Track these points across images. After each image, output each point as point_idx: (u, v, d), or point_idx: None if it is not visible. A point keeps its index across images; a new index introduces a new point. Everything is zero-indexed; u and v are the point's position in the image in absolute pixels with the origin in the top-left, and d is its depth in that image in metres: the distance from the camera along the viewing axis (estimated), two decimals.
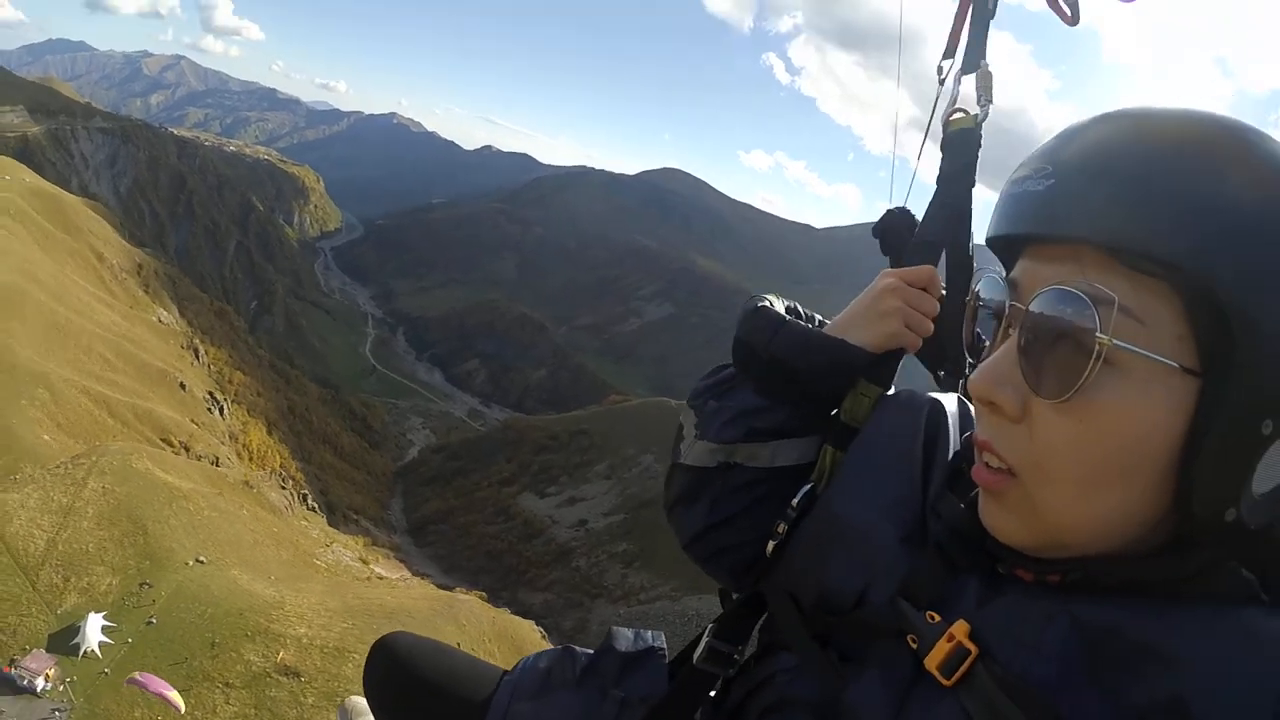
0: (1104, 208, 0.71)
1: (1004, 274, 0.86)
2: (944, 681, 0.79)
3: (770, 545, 1.14)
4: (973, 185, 1.23)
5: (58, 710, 29.42)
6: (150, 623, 33.49)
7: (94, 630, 32.05)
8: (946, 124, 1.28)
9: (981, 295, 0.90)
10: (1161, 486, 0.72)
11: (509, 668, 1.54)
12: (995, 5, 1.30)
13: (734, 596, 1.27)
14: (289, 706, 30.59)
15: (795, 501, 1.13)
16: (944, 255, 1.24)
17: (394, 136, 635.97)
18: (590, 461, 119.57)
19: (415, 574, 70.42)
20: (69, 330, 72.14)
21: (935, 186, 1.26)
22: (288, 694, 31.21)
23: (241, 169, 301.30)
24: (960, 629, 0.81)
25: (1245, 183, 0.68)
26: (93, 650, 31.69)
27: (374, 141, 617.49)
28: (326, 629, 35.12)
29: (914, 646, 0.84)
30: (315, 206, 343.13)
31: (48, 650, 31.24)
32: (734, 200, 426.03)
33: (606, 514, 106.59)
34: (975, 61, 1.28)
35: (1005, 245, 0.87)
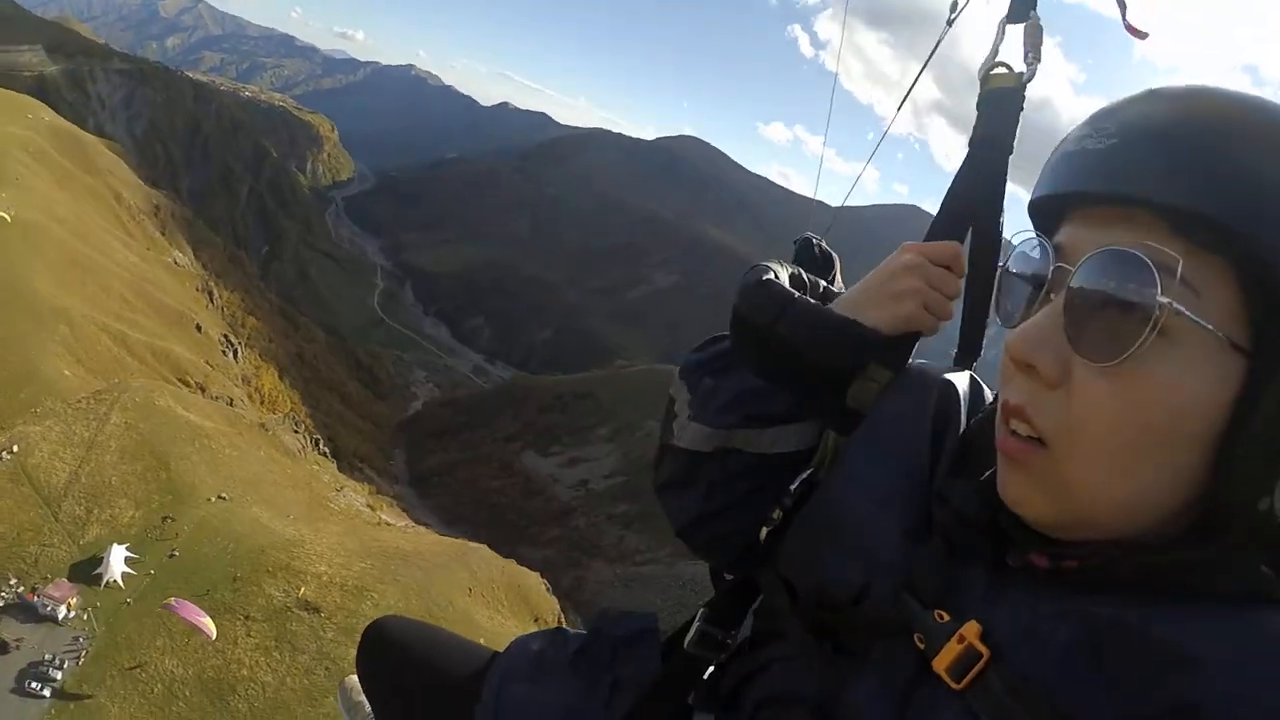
0: (1169, 170, 0.69)
1: (1045, 237, 0.83)
2: (954, 685, 0.77)
3: (764, 531, 1.08)
4: (1009, 154, 1.12)
5: (79, 638, 30.38)
6: (173, 555, 34.60)
7: (117, 561, 33.02)
8: (985, 80, 1.15)
9: (1019, 257, 0.87)
10: (1197, 467, 0.71)
11: (503, 646, 1.52)
12: None
13: (726, 578, 1.24)
14: (309, 640, 31.84)
15: (793, 487, 1.08)
16: (969, 232, 1.15)
17: (411, 88, 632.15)
18: (594, 424, 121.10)
19: (417, 524, 71.75)
20: (89, 268, 72.62)
21: (967, 151, 1.16)
22: (308, 628, 32.44)
23: (256, 115, 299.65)
24: (971, 630, 0.78)
25: None
26: (115, 580, 32.70)
27: (390, 93, 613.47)
28: (345, 568, 36.35)
29: (921, 647, 0.82)
30: (329, 155, 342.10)
31: (70, 580, 32.23)
32: (750, 172, 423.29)
33: (607, 476, 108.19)
34: (1025, 10, 1.14)
35: (1051, 207, 0.84)
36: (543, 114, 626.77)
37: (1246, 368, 0.68)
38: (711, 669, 1.20)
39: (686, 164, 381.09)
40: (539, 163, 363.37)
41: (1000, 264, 0.90)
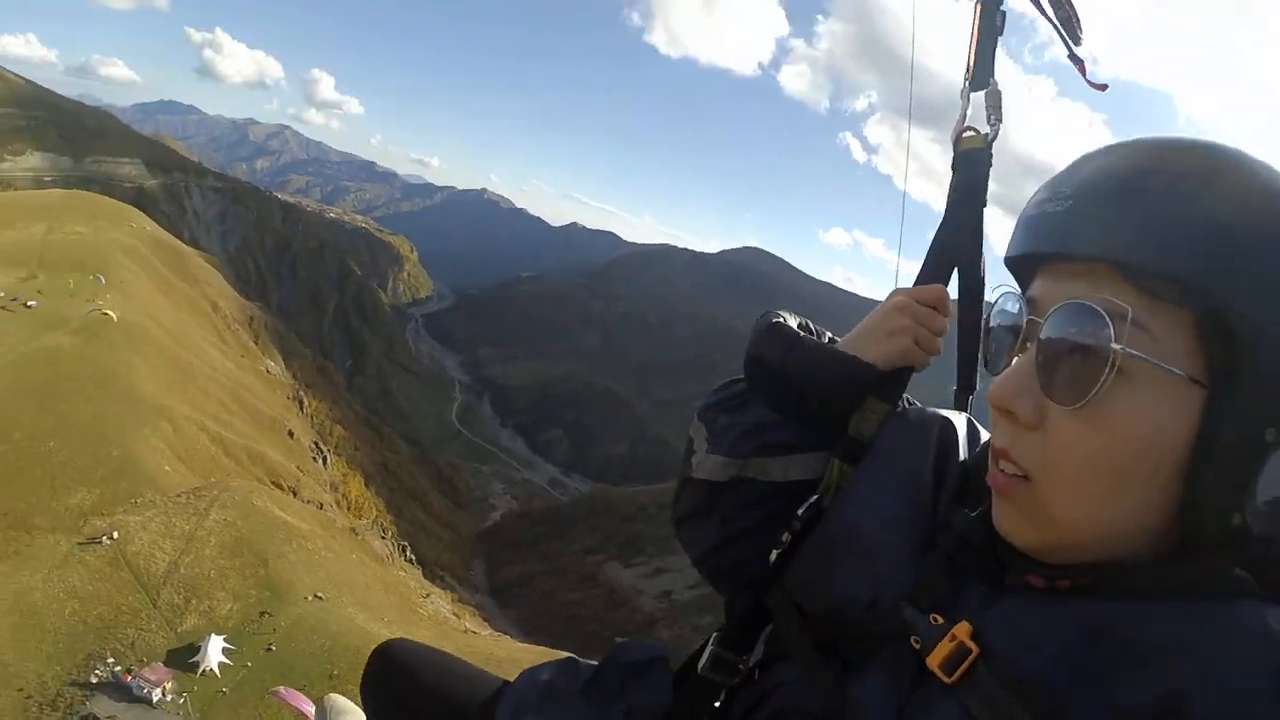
0: (1119, 228, 0.74)
1: (1020, 291, 0.89)
2: (945, 680, 0.81)
3: (774, 554, 1.15)
4: (984, 205, 1.23)
5: None
6: (270, 649, 34.18)
7: (215, 651, 32.89)
8: (956, 143, 1.27)
9: (998, 312, 0.93)
10: (1169, 492, 0.75)
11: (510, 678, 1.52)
12: (1003, 23, 1.29)
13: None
14: None
15: (800, 512, 1.14)
16: (955, 275, 1.25)
17: (484, 211, 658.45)
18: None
19: (497, 633, 69.76)
20: (188, 371, 74.89)
21: (945, 206, 1.26)
22: None
23: (340, 235, 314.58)
24: (962, 629, 0.83)
25: (1250, 209, 0.72)
26: (212, 669, 32.47)
27: (465, 215, 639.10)
28: None
29: (917, 648, 0.86)
30: (409, 274, 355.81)
31: (166, 664, 32.12)
32: (814, 279, 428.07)
33: (691, 586, 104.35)
34: (985, 79, 1.27)
35: (1024, 264, 0.89)
36: (610, 233, 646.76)
37: (1205, 399, 0.73)
38: (722, 697, 1.24)
39: (752, 273, 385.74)
40: (608, 279, 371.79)
41: (984, 317, 0.97)
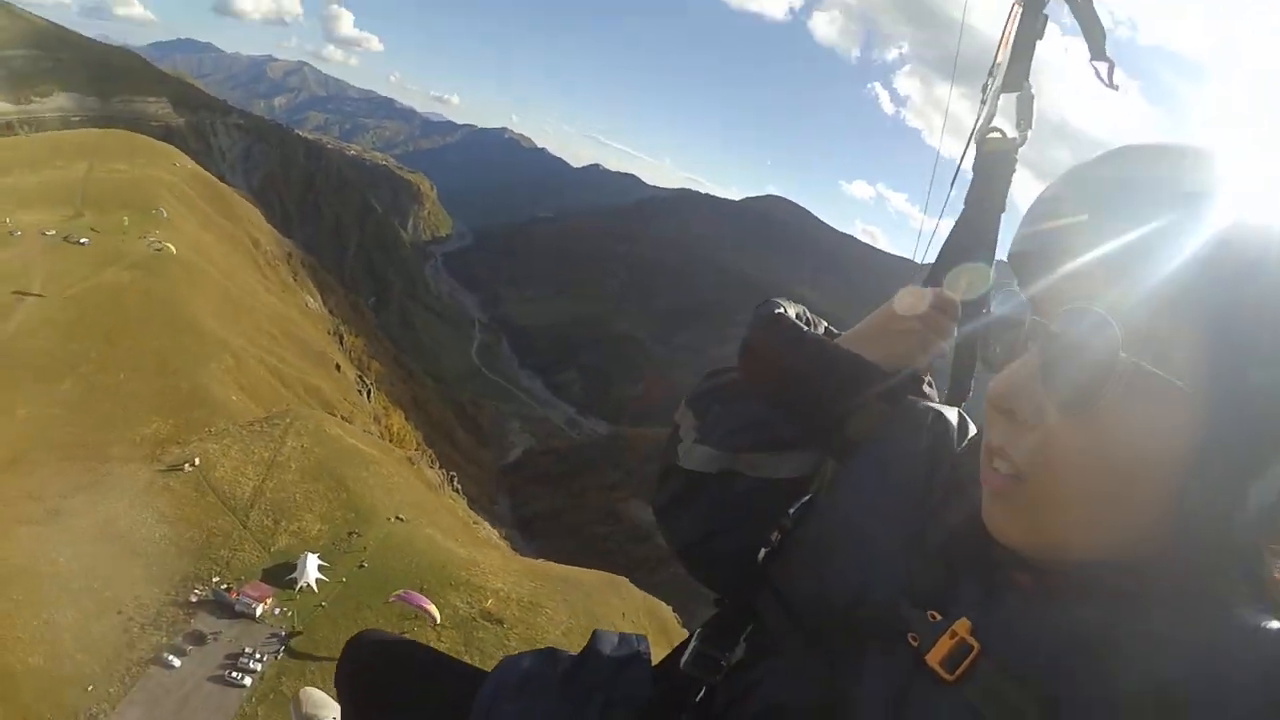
0: (1136, 239, 0.74)
1: (1023, 289, 0.88)
2: (947, 677, 0.81)
3: (763, 553, 1.12)
4: (1001, 211, 1.21)
5: (276, 634, 32.63)
6: (362, 566, 37.12)
7: (311, 568, 35.54)
8: (981, 143, 1.24)
9: (1001, 309, 0.92)
10: (1163, 501, 0.75)
11: (494, 666, 1.50)
12: (1044, 26, 1.26)
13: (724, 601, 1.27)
14: (495, 647, 33.78)
15: (792, 511, 1.13)
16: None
17: (505, 150, 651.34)
18: None
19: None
20: (242, 305, 77.54)
21: (963, 207, 1.25)
22: (493, 636, 34.56)
23: (361, 172, 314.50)
24: (962, 626, 0.83)
25: (1263, 230, 0.71)
26: (309, 585, 35.14)
27: (485, 154, 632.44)
28: (518, 586, 38.47)
29: (915, 645, 0.86)
30: (429, 213, 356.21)
31: (263, 582, 34.72)
32: (837, 231, 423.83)
33: None
34: (1018, 81, 1.25)
35: (1030, 262, 0.88)
36: (631, 175, 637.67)
37: (1208, 416, 0.72)
38: (704, 691, 1.21)
39: (773, 223, 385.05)
40: (629, 222, 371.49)
41: (991, 303, 0.96)
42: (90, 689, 28.31)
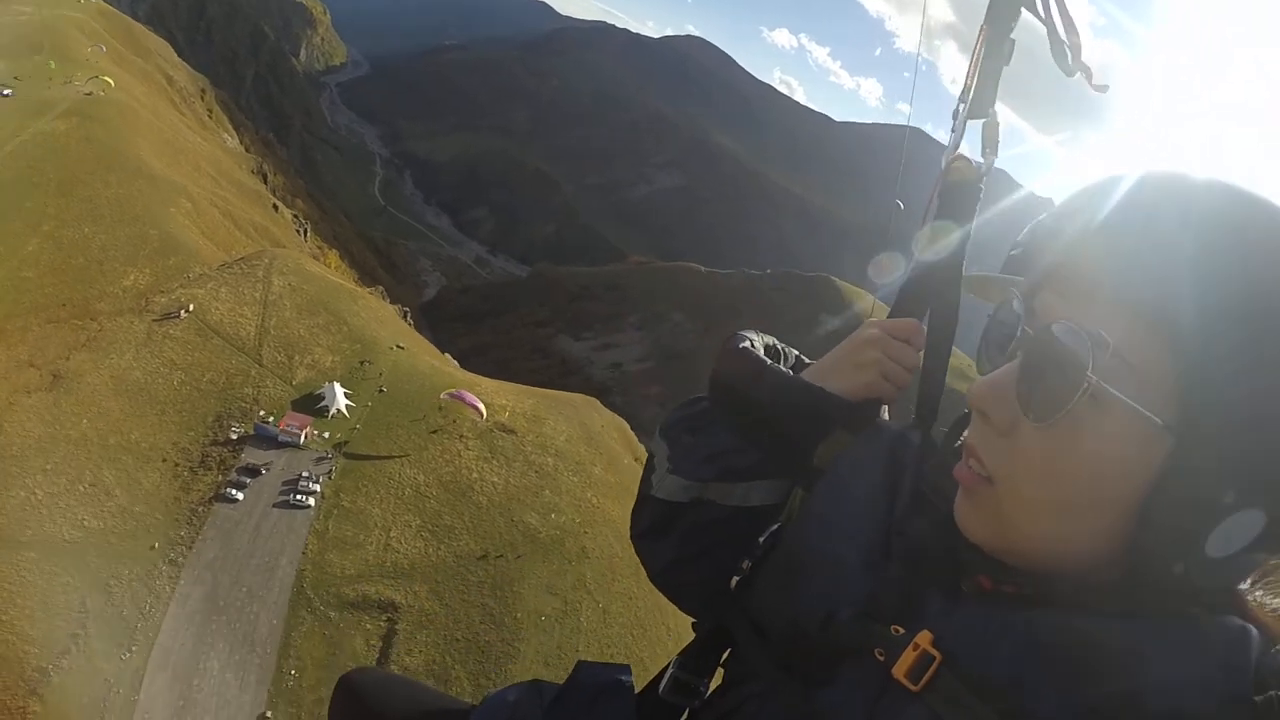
0: (1126, 261, 0.75)
1: (1023, 301, 0.88)
2: (911, 688, 0.83)
3: (734, 581, 1.16)
4: (967, 240, 1.20)
5: (322, 458, 36.38)
6: (382, 391, 41.40)
7: (338, 395, 39.39)
8: (946, 170, 1.23)
9: (999, 314, 0.95)
10: (1121, 526, 0.77)
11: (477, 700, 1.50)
12: (1010, 52, 1.24)
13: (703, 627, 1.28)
14: (514, 453, 39.47)
15: (762, 540, 1.17)
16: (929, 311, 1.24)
17: None
18: (623, 313, 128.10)
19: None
20: (179, 147, 76.01)
21: (929, 237, 1.24)
22: (510, 444, 39.98)
23: None
24: (924, 638, 0.85)
25: (1264, 269, 0.71)
26: (340, 411, 38.99)
27: None
28: (519, 403, 43.75)
29: (881, 659, 0.87)
30: (322, 39, 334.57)
31: (296, 412, 38.13)
32: (756, 79, 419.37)
33: (639, 360, 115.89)
34: (983, 108, 1.23)
35: (1028, 272, 0.91)
36: (543, 3, 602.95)
37: (1172, 445, 0.73)
38: (685, 716, 1.24)
39: (691, 64, 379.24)
40: (540, 54, 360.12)
41: (993, 311, 0.98)
42: (154, 546, 30.52)
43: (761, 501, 1.19)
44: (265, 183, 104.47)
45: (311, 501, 34.15)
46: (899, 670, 0.84)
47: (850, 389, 1.16)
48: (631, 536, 1.31)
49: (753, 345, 1.24)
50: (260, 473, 34.75)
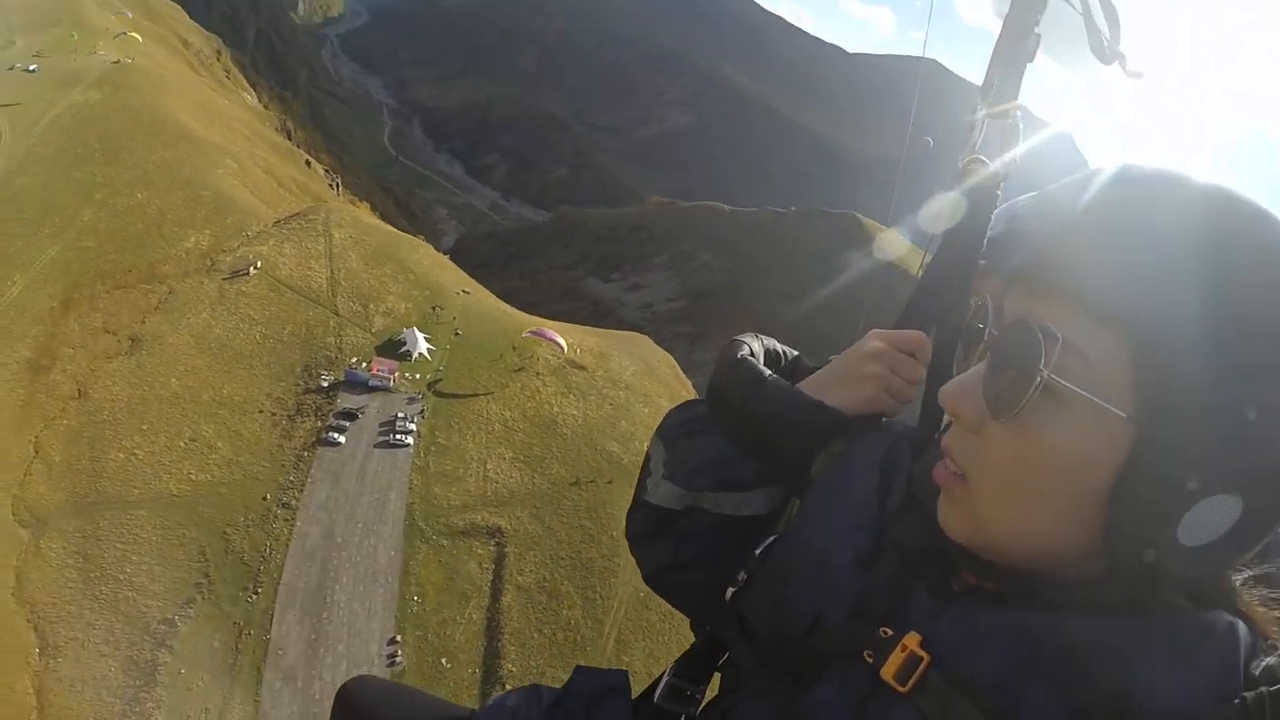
0: (1082, 260, 0.76)
1: (994, 301, 0.89)
2: (900, 689, 0.83)
3: (730, 591, 1.15)
4: (979, 251, 1.14)
5: (413, 399, 38.40)
6: (458, 334, 43.10)
7: (419, 340, 41.11)
8: (963, 171, 1.18)
9: (975, 320, 0.96)
10: (1091, 519, 0.77)
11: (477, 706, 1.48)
12: (1035, 49, 1.19)
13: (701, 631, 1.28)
14: (588, 386, 41.50)
15: (758, 552, 1.16)
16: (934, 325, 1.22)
17: None
18: (649, 254, 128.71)
19: None
20: (211, 109, 76.17)
21: (939, 243, 1.23)
22: (583, 379, 42.01)
23: None
24: (912, 639, 0.85)
25: (1226, 267, 0.71)
26: (423, 354, 40.78)
27: None
28: (583, 341, 45.52)
29: (869, 661, 0.88)
30: None
31: (382, 358, 39.75)
32: (766, 11, 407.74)
33: (669, 300, 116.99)
34: (1005, 111, 1.20)
35: (996, 268, 0.91)
36: None
37: (1135, 435, 0.73)
38: None
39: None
40: None
41: (968, 314, 1.00)
42: (265, 497, 32.22)
43: (757, 511, 1.18)
44: (290, 139, 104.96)
45: (410, 440, 36.19)
46: (887, 672, 0.85)
47: (851, 403, 1.15)
48: (627, 537, 1.31)
49: (752, 353, 1.23)
50: (357, 416, 36.69)
